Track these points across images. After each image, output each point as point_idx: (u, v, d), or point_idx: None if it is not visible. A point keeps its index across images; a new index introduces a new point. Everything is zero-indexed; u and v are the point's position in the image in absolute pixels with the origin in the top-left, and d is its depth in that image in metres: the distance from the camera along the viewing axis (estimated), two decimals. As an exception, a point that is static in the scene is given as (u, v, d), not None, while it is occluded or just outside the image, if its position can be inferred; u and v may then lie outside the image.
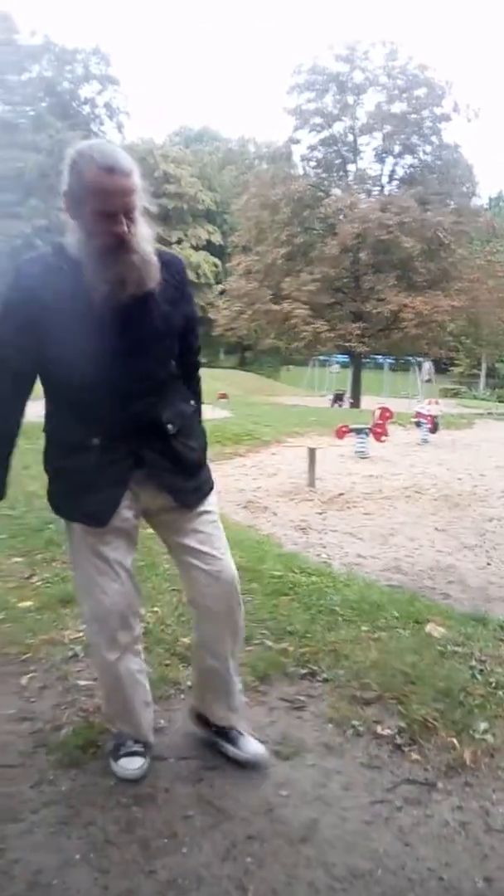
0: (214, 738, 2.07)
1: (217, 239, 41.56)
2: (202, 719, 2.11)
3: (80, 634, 2.77)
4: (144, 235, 1.68)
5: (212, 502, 1.97)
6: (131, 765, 1.94)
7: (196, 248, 40.22)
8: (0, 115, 39.28)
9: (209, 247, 41.71)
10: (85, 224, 1.63)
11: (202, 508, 1.92)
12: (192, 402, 1.97)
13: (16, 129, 38.07)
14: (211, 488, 1.97)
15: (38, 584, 3.39)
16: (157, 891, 1.54)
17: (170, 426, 1.83)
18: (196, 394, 2.04)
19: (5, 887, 1.54)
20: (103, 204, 1.59)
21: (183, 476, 1.87)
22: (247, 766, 1.99)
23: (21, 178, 35.99)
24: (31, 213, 35.90)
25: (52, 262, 1.71)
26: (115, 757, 1.96)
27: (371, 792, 1.92)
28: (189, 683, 2.35)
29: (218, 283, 39.92)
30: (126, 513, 1.84)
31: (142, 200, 1.67)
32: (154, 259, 1.71)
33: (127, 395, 1.74)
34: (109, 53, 41.30)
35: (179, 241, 39.44)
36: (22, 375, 1.75)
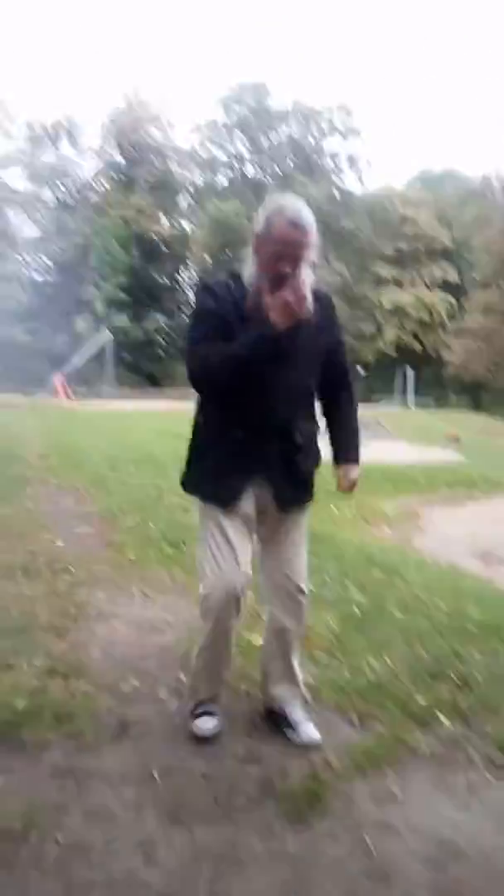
0: (281, 726, 2.31)
1: (453, 278, 40.41)
2: (269, 713, 2.38)
3: (309, 678, 2.68)
4: (305, 280, 2.00)
5: (305, 517, 2.32)
6: (206, 725, 2.26)
7: (431, 288, 39.43)
8: (250, 177, 42.73)
9: (445, 286, 40.69)
10: (263, 261, 2.01)
11: (297, 519, 2.28)
12: (317, 426, 2.29)
13: (263, 188, 41.02)
14: (309, 501, 2.29)
15: (269, 620, 3.38)
16: None
17: (298, 436, 2.16)
18: (349, 402, 2.35)
19: None
20: (281, 249, 1.96)
21: (291, 485, 2.19)
22: (307, 746, 2.22)
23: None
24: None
25: (229, 284, 2.11)
26: (193, 716, 2.29)
27: None
28: (429, 751, 2.15)
29: (451, 319, 38.71)
30: (249, 503, 2.16)
31: (311, 254, 2.00)
32: (309, 299, 1.99)
33: (272, 400, 2.09)
34: (352, 107, 42.44)
35: (413, 282, 39.02)
36: None
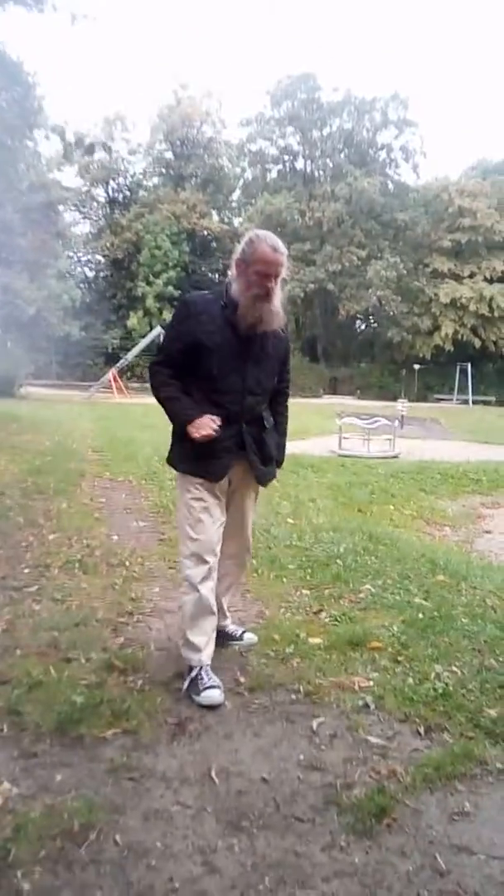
0: (226, 641, 2.93)
1: (514, 270, 39.01)
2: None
3: (371, 683, 2.60)
4: (279, 295, 2.49)
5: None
6: (215, 695, 2.47)
7: (490, 281, 38.26)
8: (300, 170, 42.38)
9: (505, 279, 39.33)
10: (247, 279, 2.44)
11: (257, 493, 2.85)
12: (271, 419, 2.75)
13: (315, 181, 40.66)
14: (273, 478, 2.80)
15: (327, 620, 3.29)
16: None
17: (266, 422, 2.68)
18: (284, 405, 2.89)
19: None
20: (264, 268, 2.42)
21: (263, 462, 2.68)
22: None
23: (319, 227, 38.20)
24: (325, 259, 37.76)
25: (212, 298, 2.54)
26: (197, 692, 2.48)
27: None
28: (499, 765, 2.04)
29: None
30: (228, 477, 2.62)
31: (284, 272, 2.47)
32: (281, 311, 2.52)
33: (247, 392, 2.56)
34: (408, 97, 41.14)
35: (472, 275, 37.93)
36: (180, 368, 2.57)
